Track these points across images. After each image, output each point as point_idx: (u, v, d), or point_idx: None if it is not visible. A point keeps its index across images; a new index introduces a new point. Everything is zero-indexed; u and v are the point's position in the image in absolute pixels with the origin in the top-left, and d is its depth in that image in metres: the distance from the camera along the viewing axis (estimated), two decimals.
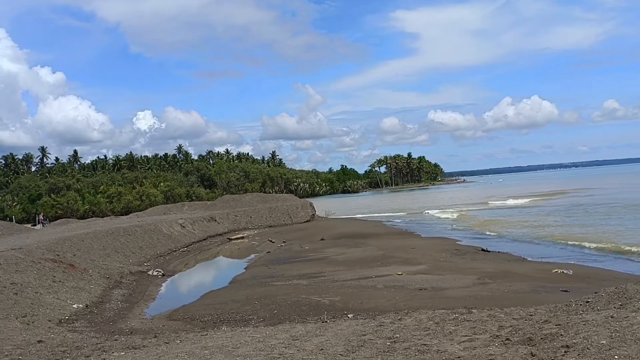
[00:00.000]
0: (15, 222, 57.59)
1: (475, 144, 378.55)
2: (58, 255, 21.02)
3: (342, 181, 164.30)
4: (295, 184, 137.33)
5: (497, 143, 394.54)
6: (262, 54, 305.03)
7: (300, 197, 60.42)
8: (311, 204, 47.64)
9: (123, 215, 78.52)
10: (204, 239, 34.87)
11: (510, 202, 59.46)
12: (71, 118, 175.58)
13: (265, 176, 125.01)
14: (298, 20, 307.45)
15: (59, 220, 50.50)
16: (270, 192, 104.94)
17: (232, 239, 36.17)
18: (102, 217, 74.74)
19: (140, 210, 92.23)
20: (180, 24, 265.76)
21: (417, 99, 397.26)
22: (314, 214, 45.93)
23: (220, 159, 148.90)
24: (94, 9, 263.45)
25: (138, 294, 18.16)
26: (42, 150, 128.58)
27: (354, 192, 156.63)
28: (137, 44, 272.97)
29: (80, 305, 15.21)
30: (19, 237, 30.15)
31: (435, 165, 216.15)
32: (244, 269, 22.92)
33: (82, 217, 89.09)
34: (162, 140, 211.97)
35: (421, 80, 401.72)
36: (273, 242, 32.17)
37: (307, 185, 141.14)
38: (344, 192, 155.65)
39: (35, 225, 54.76)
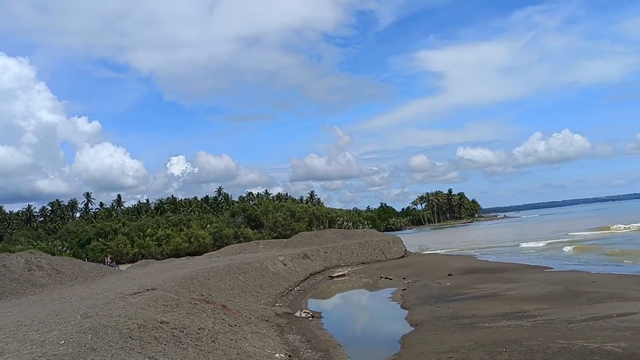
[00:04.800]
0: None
1: (506, 180, 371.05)
2: (202, 295, 18.23)
3: (384, 219, 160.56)
4: (339, 222, 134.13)
5: (529, 178, 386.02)
6: (290, 97, 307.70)
7: None
8: (400, 239, 44.37)
9: (173, 256, 76.33)
10: (307, 278, 31.82)
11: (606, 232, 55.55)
12: (107, 165, 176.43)
13: (311, 215, 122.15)
14: (324, 64, 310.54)
15: (139, 262, 48.13)
16: (315, 231, 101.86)
17: (333, 277, 33.07)
18: (156, 259, 72.39)
19: (190, 253, 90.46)
20: (210, 71, 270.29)
21: (446, 136, 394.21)
22: (406, 249, 42.60)
23: (260, 200, 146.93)
24: (128, 61, 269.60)
25: (315, 340, 15.10)
26: (87, 195, 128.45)
27: (397, 230, 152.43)
28: (170, 92, 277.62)
29: (282, 355, 12.27)
30: (121, 278, 27.58)
31: (474, 202, 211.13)
32: (402, 308, 19.76)
33: (132, 260, 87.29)
34: (195, 184, 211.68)
35: (449, 117, 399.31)
36: (390, 279, 28.98)
37: (350, 224, 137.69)
38: (387, 229, 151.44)
39: None
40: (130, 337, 9.67)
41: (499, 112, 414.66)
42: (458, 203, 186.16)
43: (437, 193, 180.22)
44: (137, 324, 10.70)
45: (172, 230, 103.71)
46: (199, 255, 76.63)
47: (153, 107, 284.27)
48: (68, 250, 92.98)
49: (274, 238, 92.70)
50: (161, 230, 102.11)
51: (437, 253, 47.18)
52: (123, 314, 11.53)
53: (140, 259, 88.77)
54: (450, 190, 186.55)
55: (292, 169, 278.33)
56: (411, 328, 16.09)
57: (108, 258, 53.16)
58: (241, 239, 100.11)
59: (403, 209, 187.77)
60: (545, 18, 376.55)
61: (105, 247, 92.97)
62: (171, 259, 53.80)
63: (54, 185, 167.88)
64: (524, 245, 47.95)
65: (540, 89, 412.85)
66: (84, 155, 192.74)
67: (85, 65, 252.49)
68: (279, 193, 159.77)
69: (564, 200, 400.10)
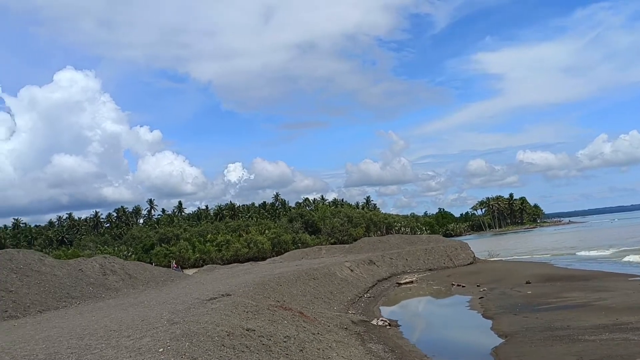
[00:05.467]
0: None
1: (569, 184, 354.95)
2: (278, 302, 17.88)
3: (442, 225, 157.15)
4: (396, 227, 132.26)
5: (594, 182, 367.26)
6: (345, 103, 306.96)
7: None
8: (468, 245, 42.84)
9: (233, 262, 77.14)
10: (375, 284, 31.03)
11: None
12: (167, 173, 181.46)
13: (368, 220, 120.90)
14: (378, 68, 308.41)
15: (205, 267, 48.78)
16: (379, 237, 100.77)
17: (401, 284, 32.12)
18: (216, 264, 73.27)
19: (250, 259, 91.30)
20: (266, 80, 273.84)
21: (505, 139, 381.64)
22: (474, 256, 41.05)
23: (316, 205, 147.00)
24: (188, 71, 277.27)
25: (399, 351, 14.36)
26: (150, 202, 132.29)
27: (457, 236, 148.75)
28: (227, 101, 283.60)
29: None
30: (190, 283, 27.78)
31: (536, 207, 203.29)
32: (485, 318, 18.70)
33: (194, 265, 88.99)
34: (252, 190, 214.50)
35: (507, 120, 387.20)
36: (463, 287, 27.81)
37: (408, 229, 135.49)
38: (446, 235, 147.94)
39: None
40: (223, 345, 9.30)
41: (561, 114, 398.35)
42: (520, 208, 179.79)
43: (497, 198, 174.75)
44: (226, 331, 10.35)
45: (231, 235, 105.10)
46: (258, 260, 77.29)
47: (211, 116, 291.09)
48: (133, 255, 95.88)
49: (332, 244, 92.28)
50: (221, 235, 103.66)
51: (508, 260, 45.23)
52: (209, 321, 11.22)
53: (202, 264, 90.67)
54: (511, 195, 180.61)
55: (346, 174, 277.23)
56: (500, 340, 15.08)
57: (173, 263, 54.15)
58: (299, 244, 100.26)
59: (461, 215, 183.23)
60: (609, 15, 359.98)
61: (168, 252, 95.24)
62: (235, 264, 54.22)
63: (118, 192, 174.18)
64: (600, 252, 45.19)
65: (605, 89, 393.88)
66: (145, 164, 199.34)
67: (146, 76, 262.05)
68: (335, 199, 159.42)
69: (632, 205, 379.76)
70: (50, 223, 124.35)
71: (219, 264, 78.52)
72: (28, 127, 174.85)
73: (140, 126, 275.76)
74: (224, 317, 12.04)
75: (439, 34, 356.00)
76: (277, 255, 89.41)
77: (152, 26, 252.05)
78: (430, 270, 37.78)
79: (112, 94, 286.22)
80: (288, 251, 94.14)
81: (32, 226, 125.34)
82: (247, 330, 11.19)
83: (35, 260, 24.48)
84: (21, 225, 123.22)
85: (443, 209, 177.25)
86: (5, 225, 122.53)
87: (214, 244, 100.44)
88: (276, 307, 16.07)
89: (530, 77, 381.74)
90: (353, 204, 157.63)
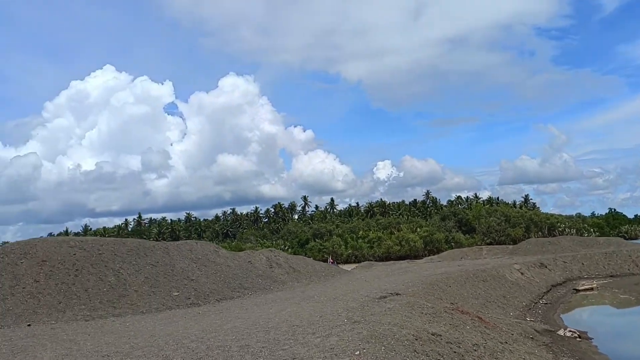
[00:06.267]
0: None
1: None
2: (452, 304, 16.82)
3: (614, 226, 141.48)
4: (560, 228, 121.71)
5: None
6: (498, 97, 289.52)
7: None
8: None
9: (384, 259, 76.67)
10: (549, 290, 28.27)
11: None
12: (319, 171, 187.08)
13: (528, 220, 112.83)
14: (536, 59, 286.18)
15: (363, 263, 49.32)
16: (539, 238, 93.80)
17: (579, 290, 28.87)
18: (368, 260, 73.38)
19: (401, 257, 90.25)
20: (415, 76, 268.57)
21: None
22: None
23: (470, 204, 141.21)
24: (338, 71, 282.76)
25: None
26: (304, 199, 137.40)
27: (631, 239, 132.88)
28: (376, 99, 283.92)
29: None
30: (352, 279, 27.72)
31: None
32: None
33: (346, 261, 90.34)
34: (400, 188, 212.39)
35: None
36: None
37: (573, 231, 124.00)
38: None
39: None
40: (415, 350, 8.56)
41: None
42: None
43: None
44: (413, 335, 9.60)
45: (382, 233, 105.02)
46: (410, 259, 75.96)
47: (361, 115, 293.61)
48: (290, 249, 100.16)
49: (488, 244, 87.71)
50: (372, 232, 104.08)
51: None
52: (391, 322, 10.58)
53: (354, 260, 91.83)
54: None
55: (500, 171, 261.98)
56: None
57: (330, 258, 55.16)
58: (452, 243, 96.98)
59: (636, 216, 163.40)
60: None
61: (322, 247, 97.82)
62: (392, 261, 53.70)
63: (274, 189, 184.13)
64: None
65: None
66: (299, 162, 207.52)
67: (300, 79, 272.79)
68: (490, 197, 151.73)
69: None
70: (216, 217, 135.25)
71: (371, 260, 78.79)
72: (197, 129, 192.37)
73: (294, 126, 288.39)
74: (405, 318, 11.32)
75: (608, 17, 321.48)
76: (429, 254, 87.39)
77: (306, 29, 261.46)
78: (612, 276, 33.63)
79: (269, 97, 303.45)
80: (440, 250, 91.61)
81: (200, 220, 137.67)
82: (433, 334, 10.33)
83: (211, 252, 26.13)
84: (192, 219, 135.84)
85: (614, 209, 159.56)
86: (179, 219, 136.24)
87: (366, 240, 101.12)
88: (452, 309, 14.99)
89: None
90: (510, 202, 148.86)
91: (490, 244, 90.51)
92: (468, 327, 12.81)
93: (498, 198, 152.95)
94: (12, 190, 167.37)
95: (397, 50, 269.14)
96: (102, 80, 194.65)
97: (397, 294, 16.85)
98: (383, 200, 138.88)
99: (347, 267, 48.53)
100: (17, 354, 10.94)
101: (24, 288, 18.50)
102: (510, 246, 48.27)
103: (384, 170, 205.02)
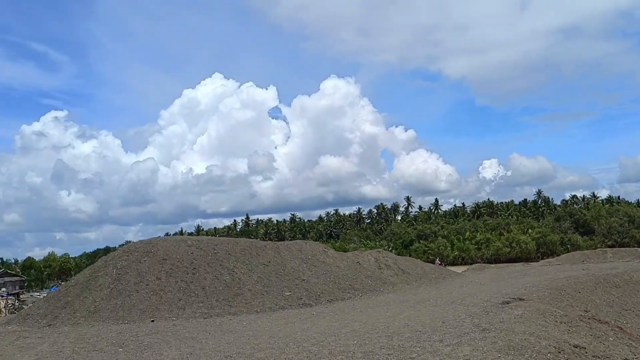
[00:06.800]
0: None
1: None
2: (587, 312, 15.31)
3: None
4: None
5: None
6: (616, 88, 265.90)
7: None
8: None
9: (493, 261, 73.14)
10: None
11: None
12: (421, 171, 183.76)
13: None
14: None
15: (474, 265, 47.47)
16: None
17: None
18: (476, 262, 70.45)
19: (511, 259, 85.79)
20: (523, 70, 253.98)
21: None
22: None
23: (587, 203, 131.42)
24: (440, 69, 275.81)
25: None
26: (407, 199, 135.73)
27: None
28: (481, 95, 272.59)
29: None
30: (465, 282, 26.44)
31: None
32: None
33: (452, 263, 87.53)
34: (508, 187, 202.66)
35: None
36: None
37: None
38: None
39: None
40: None
41: None
42: None
43: None
44: (554, 347, 8.63)
45: (491, 234, 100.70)
46: (521, 261, 71.91)
47: (464, 112, 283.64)
48: (393, 250, 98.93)
49: (609, 246, 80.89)
50: (480, 234, 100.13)
51: None
52: (526, 331, 9.63)
53: (460, 262, 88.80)
54: None
55: (620, 168, 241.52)
56: None
57: (437, 260, 53.61)
58: (568, 245, 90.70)
59: None
60: None
61: (427, 249, 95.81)
62: (505, 264, 51.07)
63: (376, 190, 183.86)
64: None
65: None
66: (401, 162, 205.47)
67: (400, 78, 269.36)
68: (609, 196, 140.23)
69: None
70: (320, 218, 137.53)
71: (479, 262, 75.61)
72: (300, 132, 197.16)
73: (395, 126, 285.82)
74: (540, 327, 10.29)
75: None
76: (542, 257, 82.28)
77: (405, 27, 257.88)
78: None
79: (370, 98, 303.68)
80: (555, 252, 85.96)
81: (305, 220, 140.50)
82: (576, 347, 9.25)
83: (320, 252, 26.11)
84: (296, 219, 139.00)
85: None
86: (284, 220, 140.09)
87: (473, 242, 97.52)
88: (588, 318, 13.56)
89: None
90: (633, 201, 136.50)
91: (612, 246, 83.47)
92: (611, 339, 11.44)
93: (619, 197, 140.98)
94: (133, 193, 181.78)
95: (503, 43, 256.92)
96: (211, 87, 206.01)
97: (520, 299, 15.64)
98: (490, 200, 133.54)
99: (457, 269, 46.74)
100: (145, 351, 11.33)
101: (147, 285, 19.46)
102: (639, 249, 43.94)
103: (490, 169, 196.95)
